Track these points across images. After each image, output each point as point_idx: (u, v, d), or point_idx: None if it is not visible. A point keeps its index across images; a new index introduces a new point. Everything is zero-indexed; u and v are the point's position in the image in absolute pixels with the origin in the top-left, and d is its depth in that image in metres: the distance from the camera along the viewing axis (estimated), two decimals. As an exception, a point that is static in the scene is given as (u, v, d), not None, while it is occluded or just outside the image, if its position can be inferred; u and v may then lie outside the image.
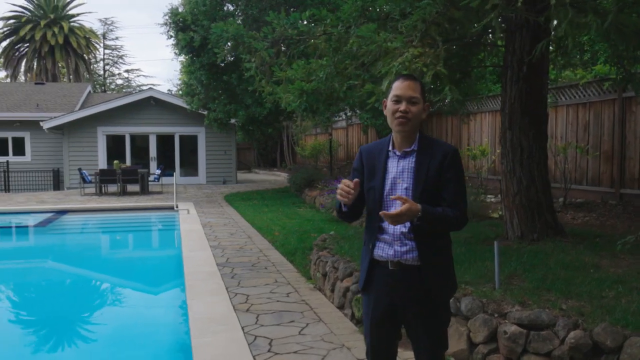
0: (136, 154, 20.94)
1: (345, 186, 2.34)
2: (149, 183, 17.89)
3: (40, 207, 13.51)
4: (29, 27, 36.73)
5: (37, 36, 36.34)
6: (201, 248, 7.89)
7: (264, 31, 5.34)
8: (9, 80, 38.73)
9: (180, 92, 17.93)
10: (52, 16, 37.49)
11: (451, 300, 3.92)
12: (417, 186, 2.41)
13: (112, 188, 17.34)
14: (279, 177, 23.47)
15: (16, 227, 12.59)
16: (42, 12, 38.08)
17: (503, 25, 6.03)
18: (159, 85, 61.41)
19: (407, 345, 3.50)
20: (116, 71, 50.21)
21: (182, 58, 17.56)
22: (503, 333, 3.52)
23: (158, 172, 18.50)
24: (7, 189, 19.05)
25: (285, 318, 4.68)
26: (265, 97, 5.92)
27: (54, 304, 6.59)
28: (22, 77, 38.97)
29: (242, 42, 5.41)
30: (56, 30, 36.90)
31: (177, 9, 14.65)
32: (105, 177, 16.68)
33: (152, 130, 20.74)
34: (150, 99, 20.40)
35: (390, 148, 2.50)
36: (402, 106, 2.41)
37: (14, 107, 21.83)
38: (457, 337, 3.79)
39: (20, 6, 38.44)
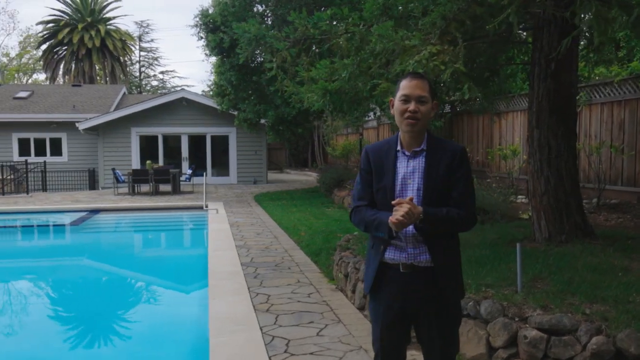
0: (168, 154, 21.27)
1: (407, 206, 2.22)
2: (181, 183, 18.15)
3: (74, 207, 13.84)
4: (67, 30, 37.71)
5: (75, 39, 37.28)
6: (227, 247, 7.94)
7: (285, 31, 5.34)
8: (48, 82, 39.85)
9: (211, 93, 18.10)
10: (89, 19, 38.41)
11: (471, 303, 3.85)
12: (428, 186, 2.36)
13: (145, 188, 17.65)
14: (309, 177, 23.49)
15: (51, 225, 12.93)
16: (79, 15, 39.06)
17: (528, 21, 5.88)
18: (193, 86, 62.18)
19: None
20: (151, 73, 51.09)
21: (212, 59, 17.73)
22: (523, 338, 3.42)
23: (189, 172, 18.74)
24: (44, 189, 19.59)
25: (304, 319, 4.66)
26: (289, 96, 5.91)
27: (83, 299, 6.77)
28: (60, 80, 40.03)
29: (264, 42, 5.41)
30: (93, 33, 37.79)
31: (207, 10, 14.80)
32: (137, 177, 16.99)
33: (184, 130, 21.03)
34: (182, 99, 20.69)
35: (398, 148, 2.45)
36: (411, 106, 2.35)
37: (51, 108, 22.44)
38: (476, 341, 3.70)
39: (59, 10, 39.54)
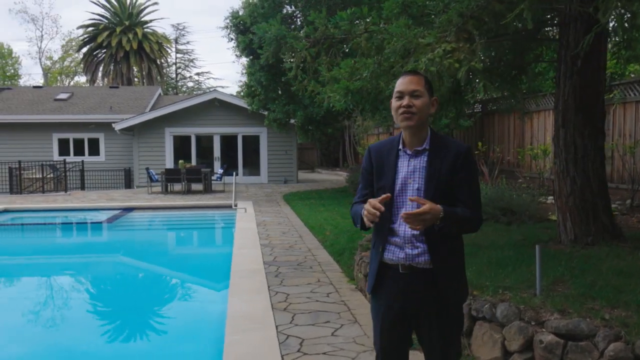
0: (201, 154, 21.58)
1: (372, 208, 2.20)
2: (212, 182, 18.39)
3: (108, 205, 14.18)
4: (106, 34, 38.69)
5: (114, 42, 38.21)
6: (252, 246, 8.00)
7: (305, 31, 5.34)
8: (88, 84, 40.95)
9: (242, 94, 18.29)
10: (127, 23, 39.31)
11: (486, 306, 3.78)
12: (429, 186, 2.32)
13: (178, 187, 17.95)
14: (340, 177, 23.47)
15: (86, 223, 13.28)
16: (118, 19, 40.01)
17: (555, 18, 5.74)
18: (227, 87, 63.04)
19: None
20: (187, 74, 51.84)
21: (243, 60, 17.93)
22: (539, 342, 3.34)
23: (220, 171, 18.97)
24: (82, 187, 20.13)
25: (321, 318, 4.66)
26: (308, 96, 5.91)
27: (112, 292, 6.97)
28: (100, 82, 41.06)
29: (285, 43, 5.43)
30: (131, 36, 38.65)
31: (237, 12, 14.95)
32: (170, 176, 17.29)
33: (216, 130, 21.30)
34: (215, 100, 20.96)
35: (400, 147, 2.42)
36: (405, 101, 2.34)
37: (89, 109, 23.04)
38: (491, 345, 3.62)
39: (98, 14, 40.60)
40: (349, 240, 7.96)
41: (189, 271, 8.31)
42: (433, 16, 4.32)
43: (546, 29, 7.04)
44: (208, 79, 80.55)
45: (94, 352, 4.77)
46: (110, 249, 10.35)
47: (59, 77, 50.99)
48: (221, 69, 75.48)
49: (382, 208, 2.19)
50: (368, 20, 5.26)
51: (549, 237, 5.93)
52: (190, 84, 52.49)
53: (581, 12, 4.82)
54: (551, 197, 9.27)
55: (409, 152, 2.40)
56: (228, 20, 15.03)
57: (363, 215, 2.26)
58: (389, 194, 2.27)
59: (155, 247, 10.65)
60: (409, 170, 2.37)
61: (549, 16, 5.90)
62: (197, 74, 61.47)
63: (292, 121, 16.31)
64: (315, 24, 5.48)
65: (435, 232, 2.28)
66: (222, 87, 58.03)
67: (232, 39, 15.00)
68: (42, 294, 7.07)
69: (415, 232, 2.32)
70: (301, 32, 7.02)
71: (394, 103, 2.39)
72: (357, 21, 5.48)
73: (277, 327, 4.42)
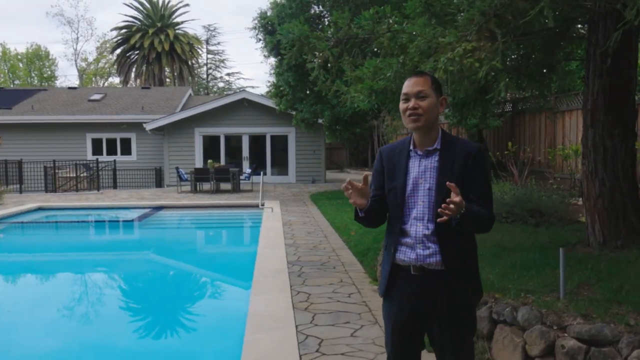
0: (230, 154, 21.78)
1: (347, 184, 2.31)
2: (241, 182, 18.55)
3: (138, 204, 14.44)
4: (138, 35, 39.42)
5: (146, 44, 38.90)
6: (276, 246, 8.04)
7: (327, 31, 5.34)
8: (121, 85, 41.78)
9: (270, 94, 18.40)
10: (159, 25, 39.96)
11: (508, 309, 3.72)
12: (440, 186, 2.30)
13: (206, 186, 18.16)
14: (368, 177, 23.36)
15: (115, 221, 13.56)
16: (150, 21, 40.71)
17: (584, 15, 5.61)
18: (257, 87, 63.49)
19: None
20: (218, 75, 52.41)
21: (271, 60, 18.04)
22: (560, 347, 3.26)
23: (248, 171, 19.12)
24: (115, 186, 20.55)
25: (341, 319, 4.65)
26: (333, 96, 5.90)
27: (137, 289, 7.10)
28: (132, 82, 41.84)
29: (308, 43, 5.45)
30: (162, 37, 39.29)
31: (265, 12, 15.04)
32: (199, 176, 17.50)
33: (244, 130, 21.47)
34: (244, 100, 21.13)
35: (411, 147, 2.41)
36: (411, 103, 2.33)
37: (122, 110, 23.50)
38: (512, 349, 3.56)
39: (131, 16, 41.38)
40: (373, 240, 7.92)
41: (214, 269, 8.43)
42: (456, 15, 4.26)
43: (577, 26, 6.89)
44: (238, 79, 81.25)
45: (119, 344, 4.87)
46: (138, 247, 10.58)
47: (93, 78, 52.17)
48: (251, 69, 76.15)
49: (354, 183, 2.31)
50: (391, 19, 5.22)
51: (577, 240, 5.79)
52: (221, 85, 53.06)
53: (610, 10, 4.70)
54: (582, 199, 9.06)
55: (419, 152, 2.38)
56: (256, 21, 15.13)
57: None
58: (367, 173, 2.34)
59: (182, 245, 10.81)
60: (420, 170, 2.36)
61: (578, 13, 5.76)
62: (228, 74, 62.21)
63: (320, 121, 16.33)
64: (338, 24, 5.47)
65: (448, 232, 2.27)
66: (252, 87, 58.55)
67: (260, 40, 15.11)
68: (69, 289, 7.28)
69: (427, 232, 2.30)
70: (329, 32, 7.01)
71: (401, 105, 2.39)
72: (380, 21, 5.45)
73: (297, 326, 4.43)
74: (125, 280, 7.91)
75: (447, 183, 2.19)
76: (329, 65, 5.45)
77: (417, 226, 2.33)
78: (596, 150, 5.28)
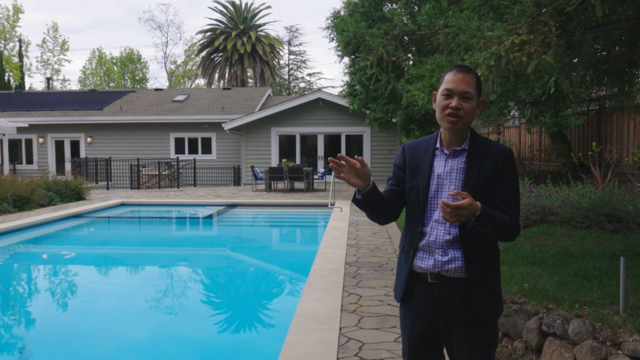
0: (306, 153, 22.01)
1: (336, 158, 2.19)
2: (314, 181, 18.67)
3: (212, 201, 14.91)
4: (222, 38, 40.77)
5: (229, 46, 40.17)
6: (337, 246, 8.00)
7: (383, 28, 5.22)
8: (206, 86, 43.39)
9: (343, 93, 18.42)
10: (242, 27, 41.14)
11: (558, 321, 3.47)
12: (466, 189, 2.14)
13: (281, 185, 18.45)
14: (445, 178, 22.81)
15: (189, 217, 14.11)
16: (233, 23, 41.99)
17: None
18: (337, 87, 63.65)
19: None
20: (299, 75, 53.15)
21: (346, 60, 18.01)
22: (613, 365, 2.99)
23: (322, 170, 19.22)
24: (195, 184, 21.36)
25: (387, 323, 4.53)
26: (387, 94, 5.78)
27: (200, 281, 7.32)
28: (216, 84, 43.35)
29: (363, 41, 5.35)
30: (245, 39, 40.40)
31: (338, 12, 15.06)
32: (273, 175, 17.81)
33: (320, 130, 21.61)
34: (319, 100, 21.27)
35: (437, 145, 2.27)
36: (454, 102, 2.16)
37: (203, 110, 24.38)
38: (560, 364, 3.31)
39: (216, 20, 42.87)
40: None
41: (274, 267, 8.56)
42: (510, 7, 4.02)
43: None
44: (320, 79, 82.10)
45: (171, 329, 5.03)
46: (204, 243, 11.03)
47: (181, 80, 54.54)
48: (332, 69, 76.57)
49: (346, 158, 2.19)
50: (448, 14, 5.03)
51: (655, 249, 5.33)
52: (302, 85, 53.78)
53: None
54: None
55: (446, 151, 2.24)
56: (329, 21, 15.18)
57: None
58: (360, 157, 2.20)
59: (247, 242, 11.07)
60: (446, 170, 2.22)
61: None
62: (309, 74, 63.00)
63: (394, 120, 16.13)
64: (394, 20, 5.34)
65: (472, 238, 2.12)
66: (333, 87, 58.80)
67: (333, 39, 15.12)
68: (143, 279, 7.71)
69: (449, 237, 2.17)
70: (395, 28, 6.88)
71: (441, 101, 2.20)
72: (438, 16, 5.27)
73: (340, 328, 4.37)
74: (187, 273, 8.27)
75: (449, 193, 2.06)
76: (382, 63, 5.33)
77: (439, 230, 2.19)
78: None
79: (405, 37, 5.27)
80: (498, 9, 4.64)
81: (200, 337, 5.11)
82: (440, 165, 2.24)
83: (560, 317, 3.49)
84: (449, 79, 2.20)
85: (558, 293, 3.93)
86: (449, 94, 2.18)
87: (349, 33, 5.21)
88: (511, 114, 16.42)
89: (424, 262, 2.22)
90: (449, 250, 2.17)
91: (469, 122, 2.20)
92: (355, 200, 2.31)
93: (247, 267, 8.74)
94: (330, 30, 15.43)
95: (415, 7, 12.94)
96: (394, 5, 14.75)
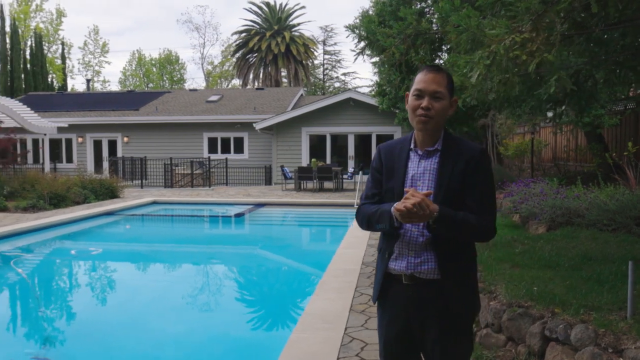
0: (336, 153, 22.01)
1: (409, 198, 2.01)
2: (344, 180, 18.67)
3: (242, 200, 15.08)
4: (256, 38, 41.15)
5: (263, 46, 40.50)
6: (357, 246, 7.98)
7: (396, 27, 5.18)
8: (241, 87, 43.87)
9: (372, 93, 18.34)
10: (276, 27, 41.43)
11: (561, 326, 3.38)
12: (439, 189, 2.13)
13: (310, 184, 18.51)
14: (477, 178, 22.44)
15: (219, 216, 14.33)
16: (268, 24, 42.34)
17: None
18: (369, 87, 63.39)
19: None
20: (334, 75, 53.15)
21: (375, 59, 17.93)
22: (613, 373, 2.90)
23: (351, 170, 19.20)
24: (226, 183, 21.64)
25: (395, 324, 4.50)
26: (402, 94, 5.73)
27: (214, 276, 7.44)
28: (251, 84, 43.77)
29: (376, 41, 5.32)
30: (279, 40, 40.67)
31: (367, 11, 14.98)
32: (302, 174, 17.89)
33: (350, 130, 21.58)
34: (350, 100, 21.24)
35: (411, 146, 2.25)
36: (424, 102, 2.14)
37: (236, 110, 24.66)
38: (561, 370, 3.23)
39: (250, 20, 43.31)
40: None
41: (292, 266, 8.68)
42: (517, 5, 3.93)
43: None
44: (354, 79, 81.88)
45: (191, 320, 5.13)
46: (230, 240, 11.24)
47: (218, 81, 55.29)
48: (366, 68, 76.36)
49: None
50: (461, 12, 4.95)
51: (679, 253, 5.13)
52: (337, 84, 53.76)
53: None
54: None
55: (420, 152, 2.23)
56: (357, 20, 15.13)
57: (396, 208, 2.03)
58: (431, 191, 2.10)
59: (270, 241, 11.24)
60: (419, 171, 2.20)
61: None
62: (344, 74, 62.92)
63: (423, 120, 15.97)
64: (407, 19, 5.30)
65: (445, 240, 2.10)
66: (367, 86, 58.57)
67: (356, 39, 15.08)
68: (171, 275, 7.98)
69: (422, 240, 2.15)
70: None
71: (412, 102, 2.19)
72: (451, 14, 5.19)
73: (346, 328, 4.36)
74: (209, 268, 8.47)
75: (405, 189, 2.05)
76: (395, 62, 5.29)
77: (412, 232, 2.17)
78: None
79: (417, 36, 5.21)
80: (509, 6, 4.55)
81: (213, 333, 5.20)
82: (413, 166, 2.23)
83: (563, 322, 3.40)
84: (419, 79, 2.19)
85: (566, 297, 3.82)
86: (419, 94, 2.17)
87: (362, 32, 5.20)
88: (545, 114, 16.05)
89: (398, 264, 2.20)
90: (422, 252, 2.15)
91: (440, 122, 2.18)
92: (390, 227, 2.15)
93: (266, 265, 8.91)
94: (358, 30, 15.37)
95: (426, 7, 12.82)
96: (423, 4, 14.63)
